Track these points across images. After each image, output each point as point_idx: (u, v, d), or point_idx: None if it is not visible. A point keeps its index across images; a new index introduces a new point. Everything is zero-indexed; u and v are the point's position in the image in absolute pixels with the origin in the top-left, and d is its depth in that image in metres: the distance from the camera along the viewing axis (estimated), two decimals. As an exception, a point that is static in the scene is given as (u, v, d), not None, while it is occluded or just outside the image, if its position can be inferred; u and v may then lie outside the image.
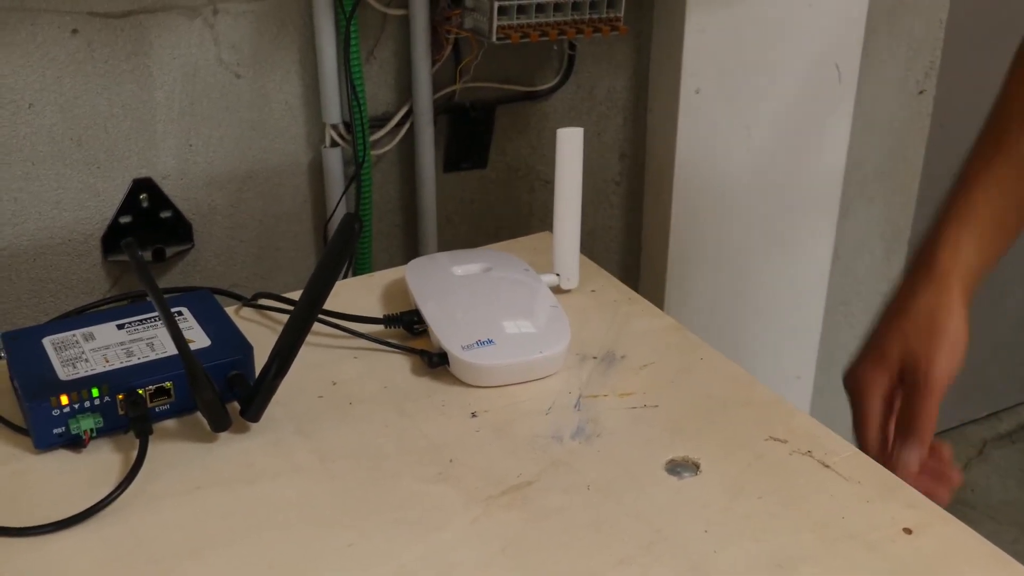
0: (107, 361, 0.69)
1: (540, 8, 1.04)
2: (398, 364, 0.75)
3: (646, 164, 1.29)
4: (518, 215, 1.24)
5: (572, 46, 1.17)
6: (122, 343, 0.71)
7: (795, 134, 1.29)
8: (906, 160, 1.47)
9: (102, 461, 0.66)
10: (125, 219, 1.04)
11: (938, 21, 1.40)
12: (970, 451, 2.00)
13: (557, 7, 1.05)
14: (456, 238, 1.21)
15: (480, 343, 0.72)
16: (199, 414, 0.69)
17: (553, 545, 0.60)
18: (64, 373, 0.68)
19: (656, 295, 1.31)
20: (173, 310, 0.75)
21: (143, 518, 0.62)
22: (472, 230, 1.22)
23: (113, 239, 1.05)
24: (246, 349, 0.71)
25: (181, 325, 0.73)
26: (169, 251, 1.06)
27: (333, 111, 1.07)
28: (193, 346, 0.71)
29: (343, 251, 0.64)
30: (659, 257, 1.31)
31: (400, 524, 0.61)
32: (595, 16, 1.07)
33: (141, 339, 0.72)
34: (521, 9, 1.03)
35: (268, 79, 1.06)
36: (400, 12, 1.08)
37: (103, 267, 1.06)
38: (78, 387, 0.67)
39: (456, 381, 0.73)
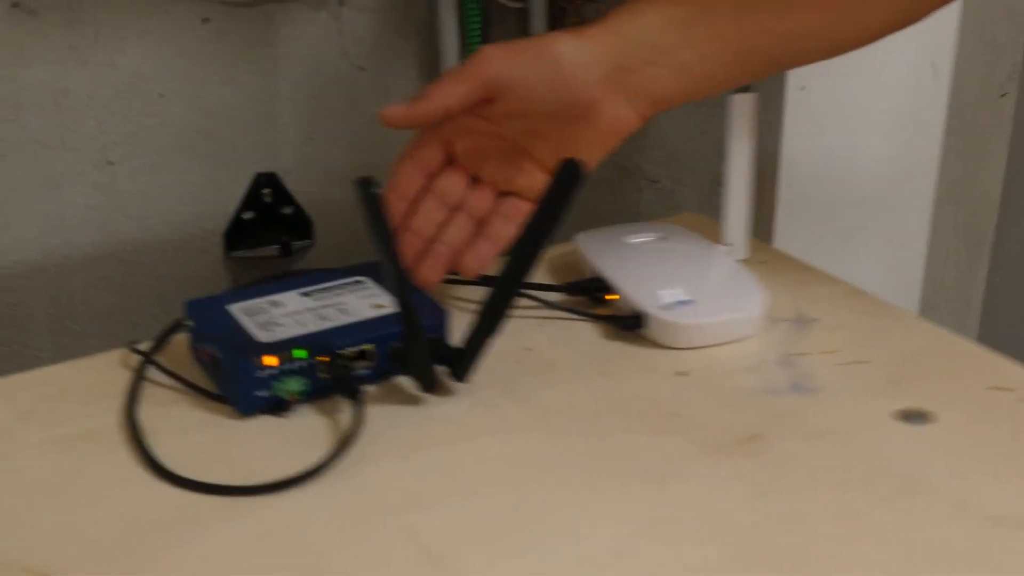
0: (303, 325, 0.67)
1: (664, -3, 1.04)
2: (586, 331, 0.73)
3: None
4: (624, 216, 1.23)
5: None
6: (312, 308, 0.69)
7: (895, 134, 1.29)
8: (989, 165, 1.47)
9: (308, 425, 0.64)
10: (248, 215, 1.03)
11: (1021, 25, 1.40)
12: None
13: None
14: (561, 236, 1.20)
15: (680, 303, 0.70)
16: (398, 379, 0.67)
17: (807, 487, 0.57)
18: (264, 336, 0.66)
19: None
20: (352, 279, 0.73)
21: (368, 476, 0.59)
22: (577, 230, 1.21)
23: (235, 235, 1.03)
24: (442, 313, 0.69)
25: (365, 292, 0.72)
26: (294, 246, 1.04)
27: (454, 104, 1.06)
28: (384, 311, 0.69)
29: (564, 199, 0.62)
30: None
31: (639, 474, 0.59)
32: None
33: (330, 304, 0.70)
34: (646, -2, 1.03)
35: (389, 72, 1.05)
36: (518, 4, 1.08)
37: (224, 264, 1.04)
38: (282, 348, 0.65)
39: (651, 345, 0.71)
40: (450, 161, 0.70)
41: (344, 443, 0.60)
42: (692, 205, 1.29)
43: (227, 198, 1.02)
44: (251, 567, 0.53)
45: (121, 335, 1.00)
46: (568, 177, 0.61)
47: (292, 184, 1.05)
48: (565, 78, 0.65)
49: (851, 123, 1.26)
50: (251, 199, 1.03)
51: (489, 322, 0.65)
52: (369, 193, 0.57)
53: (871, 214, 1.32)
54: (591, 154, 0.65)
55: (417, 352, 0.64)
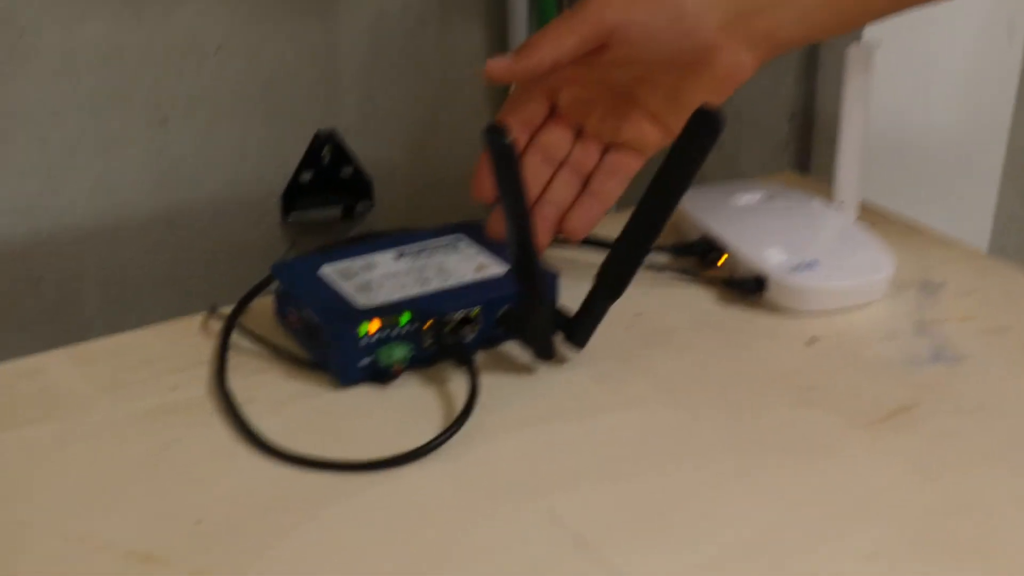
0: (403, 288, 0.62)
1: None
2: (698, 295, 0.68)
3: (815, 125, 1.23)
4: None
5: None
6: (410, 271, 0.64)
7: (967, 95, 1.23)
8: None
9: (412, 396, 0.59)
10: (306, 176, 0.97)
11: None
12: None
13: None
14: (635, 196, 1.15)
15: (804, 265, 0.66)
16: (505, 345, 0.63)
17: (972, 466, 0.53)
18: (363, 300, 0.61)
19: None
20: (449, 238, 0.68)
21: (489, 451, 0.54)
22: (639, 191, 1.16)
23: (293, 198, 0.98)
24: (553, 277, 0.64)
25: (465, 252, 0.67)
26: (357, 208, 0.99)
27: (522, 60, 1.01)
28: (488, 272, 0.64)
29: (700, 151, 0.57)
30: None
31: (786, 451, 0.54)
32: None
33: (430, 266, 0.65)
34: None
35: (453, 27, 1.00)
36: (589, -44, 1.02)
37: (281, 229, 0.99)
38: (385, 313, 0.60)
39: (771, 310, 0.66)
40: (552, 112, 0.65)
41: (464, 414, 0.55)
42: (755, 168, 1.23)
43: (285, 159, 0.97)
44: (380, 550, 0.48)
45: (174, 303, 0.95)
46: (705, 127, 0.56)
47: (351, 143, 0.99)
48: (686, 23, 0.60)
49: (923, 83, 1.20)
50: (309, 159, 0.98)
51: (614, 284, 0.59)
52: (501, 143, 0.52)
53: (939, 177, 1.27)
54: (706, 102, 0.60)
55: (539, 317, 0.59)
